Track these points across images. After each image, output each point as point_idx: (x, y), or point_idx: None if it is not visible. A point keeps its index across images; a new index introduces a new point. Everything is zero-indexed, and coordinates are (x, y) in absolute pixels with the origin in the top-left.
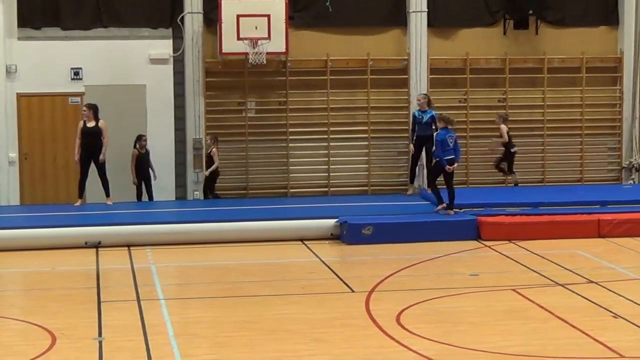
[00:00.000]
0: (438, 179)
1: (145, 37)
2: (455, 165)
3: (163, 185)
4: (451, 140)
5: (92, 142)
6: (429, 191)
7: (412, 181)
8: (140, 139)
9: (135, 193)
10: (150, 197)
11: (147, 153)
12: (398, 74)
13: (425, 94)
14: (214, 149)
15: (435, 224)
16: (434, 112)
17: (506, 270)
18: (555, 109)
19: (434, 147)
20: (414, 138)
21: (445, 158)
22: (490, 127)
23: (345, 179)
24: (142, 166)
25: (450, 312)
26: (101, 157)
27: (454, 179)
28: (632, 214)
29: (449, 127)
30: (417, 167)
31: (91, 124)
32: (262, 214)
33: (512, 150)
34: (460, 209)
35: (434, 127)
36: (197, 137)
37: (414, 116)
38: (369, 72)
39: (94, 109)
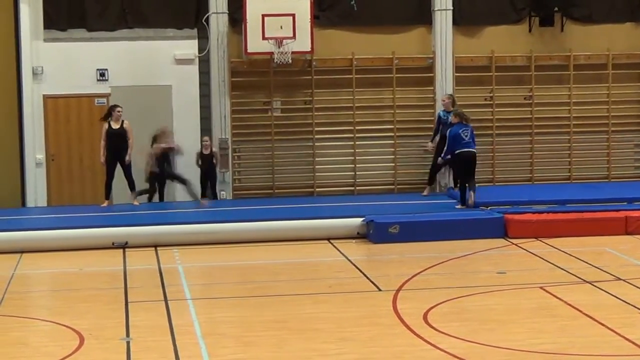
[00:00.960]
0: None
1: (171, 38)
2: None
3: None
4: (466, 134)
5: (117, 143)
6: (456, 189)
7: (431, 182)
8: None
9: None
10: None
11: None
12: (423, 73)
13: (450, 95)
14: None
15: (461, 222)
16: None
17: (533, 268)
18: (581, 106)
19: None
20: (438, 138)
21: (461, 150)
22: (518, 125)
23: (371, 178)
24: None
25: (478, 310)
26: (127, 158)
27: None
28: None
29: (464, 122)
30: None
31: (116, 126)
32: (288, 213)
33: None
34: (487, 207)
35: None
36: (223, 137)
37: (439, 116)
38: (395, 70)
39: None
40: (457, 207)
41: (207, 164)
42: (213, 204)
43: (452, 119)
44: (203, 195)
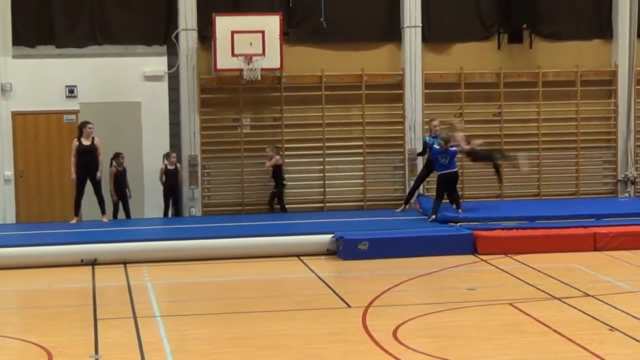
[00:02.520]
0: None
1: (140, 54)
2: None
3: (160, 202)
4: (444, 158)
5: (88, 160)
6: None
7: (407, 201)
8: (117, 156)
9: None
10: (128, 215)
11: (124, 170)
12: (393, 89)
13: (442, 121)
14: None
15: (431, 239)
16: None
17: (502, 284)
18: (550, 122)
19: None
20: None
21: (444, 172)
22: (487, 141)
23: (340, 195)
24: (120, 184)
25: (447, 327)
26: (98, 174)
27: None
28: (628, 227)
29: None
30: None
31: (87, 142)
32: (257, 230)
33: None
34: (456, 223)
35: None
36: (193, 153)
37: (425, 142)
38: (364, 87)
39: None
40: (429, 221)
41: (172, 179)
42: (179, 220)
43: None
44: (165, 213)
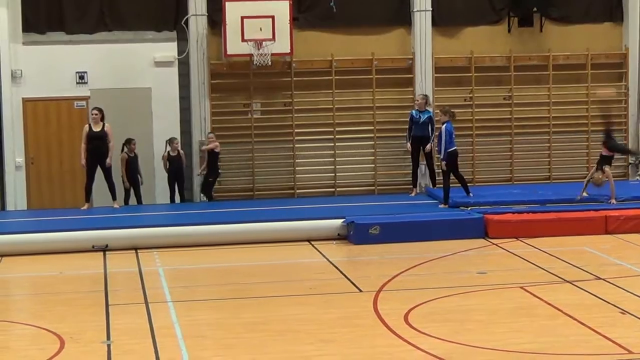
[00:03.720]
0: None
1: (150, 40)
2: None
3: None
4: (454, 132)
5: (98, 146)
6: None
7: (415, 184)
8: (129, 142)
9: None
10: (139, 201)
11: (136, 157)
12: (403, 74)
13: (425, 95)
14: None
15: (441, 223)
16: (431, 113)
17: (514, 268)
18: (560, 106)
19: (442, 141)
20: (411, 138)
21: (452, 149)
22: (497, 125)
23: (351, 179)
24: (131, 170)
25: (458, 311)
26: (108, 161)
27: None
28: (638, 209)
29: (452, 120)
30: (420, 167)
31: (97, 128)
32: (268, 215)
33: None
34: (467, 207)
35: (430, 127)
36: (203, 139)
37: (412, 116)
38: (374, 71)
39: (102, 112)
40: (440, 206)
41: (175, 165)
42: (190, 206)
43: (441, 117)
44: (172, 198)
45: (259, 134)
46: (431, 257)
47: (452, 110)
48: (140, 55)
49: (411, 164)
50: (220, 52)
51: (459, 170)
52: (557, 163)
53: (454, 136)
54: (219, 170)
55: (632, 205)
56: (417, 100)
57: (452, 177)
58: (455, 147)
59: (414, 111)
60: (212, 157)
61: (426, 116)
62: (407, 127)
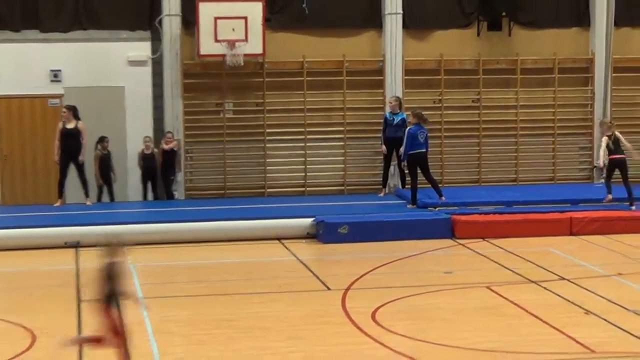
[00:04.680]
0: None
1: (124, 39)
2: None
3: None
4: (422, 136)
5: (71, 143)
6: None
7: (384, 184)
8: (102, 140)
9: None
10: (112, 198)
11: (109, 154)
12: (373, 75)
13: (398, 97)
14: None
15: (409, 223)
16: (404, 115)
17: (480, 268)
18: (528, 109)
19: (404, 143)
20: (385, 140)
21: (414, 151)
22: (466, 127)
23: (321, 179)
24: (105, 167)
25: (425, 309)
26: (81, 158)
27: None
28: (602, 212)
29: (422, 123)
30: (390, 169)
31: (70, 126)
32: (239, 214)
33: None
34: (435, 208)
35: (404, 129)
36: (176, 138)
37: (385, 118)
38: (345, 73)
39: (73, 110)
40: (408, 206)
41: (149, 163)
42: (163, 203)
43: (410, 119)
44: (144, 197)
45: (231, 134)
46: (399, 257)
47: (423, 114)
48: (114, 54)
49: (382, 164)
50: (194, 52)
51: (430, 172)
52: (523, 165)
53: (420, 139)
54: (178, 171)
55: (596, 207)
56: (391, 103)
57: (421, 177)
58: (420, 150)
59: (387, 113)
60: (170, 156)
61: (399, 118)
62: (379, 128)
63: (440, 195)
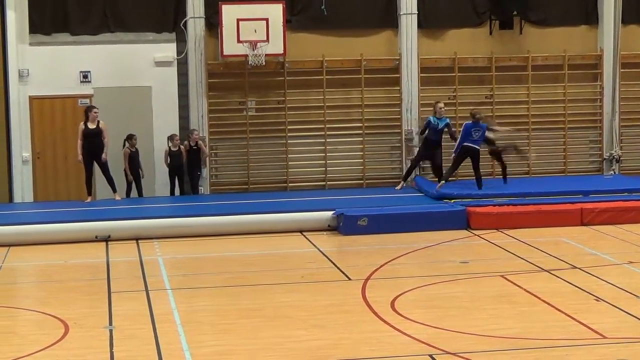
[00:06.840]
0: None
1: (150, 41)
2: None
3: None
4: (476, 133)
5: (93, 142)
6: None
7: (405, 178)
8: (130, 138)
9: (125, 190)
10: (140, 194)
11: (137, 151)
12: (390, 73)
13: (444, 104)
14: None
15: (426, 215)
16: (448, 120)
17: (494, 258)
18: (539, 104)
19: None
20: (426, 141)
21: (466, 144)
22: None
23: (341, 174)
24: (133, 164)
25: (442, 298)
26: (104, 156)
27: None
28: (612, 202)
29: (481, 121)
30: (417, 168)
31: (92, 125)
32: (262, 208)
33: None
34: (451, 200)
35: (449, 134)
36: (201, 135)
37: (429, 122)
38: (363, 71)
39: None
40: (437, 187)
41: (176, 160)
42: (189, 198)
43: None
44: (172, 192)
45: (254, 131)
46: (416, 247)
47: (477, 114)
48: (141, 55)
49: (413, 161)
50: (217, 53)
51: (479, 167)
52: (535, 158)
53: (475, 136)
54: (202, 166)
55: (606, 198)
56: (441, 108)
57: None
58: (471, 145)
59: (432, 117)
60: (195, 153)
61: (444, 123)
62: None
63: (480, 187)
